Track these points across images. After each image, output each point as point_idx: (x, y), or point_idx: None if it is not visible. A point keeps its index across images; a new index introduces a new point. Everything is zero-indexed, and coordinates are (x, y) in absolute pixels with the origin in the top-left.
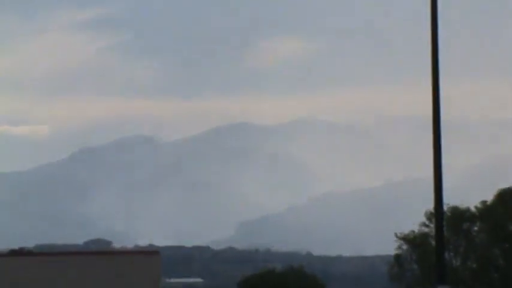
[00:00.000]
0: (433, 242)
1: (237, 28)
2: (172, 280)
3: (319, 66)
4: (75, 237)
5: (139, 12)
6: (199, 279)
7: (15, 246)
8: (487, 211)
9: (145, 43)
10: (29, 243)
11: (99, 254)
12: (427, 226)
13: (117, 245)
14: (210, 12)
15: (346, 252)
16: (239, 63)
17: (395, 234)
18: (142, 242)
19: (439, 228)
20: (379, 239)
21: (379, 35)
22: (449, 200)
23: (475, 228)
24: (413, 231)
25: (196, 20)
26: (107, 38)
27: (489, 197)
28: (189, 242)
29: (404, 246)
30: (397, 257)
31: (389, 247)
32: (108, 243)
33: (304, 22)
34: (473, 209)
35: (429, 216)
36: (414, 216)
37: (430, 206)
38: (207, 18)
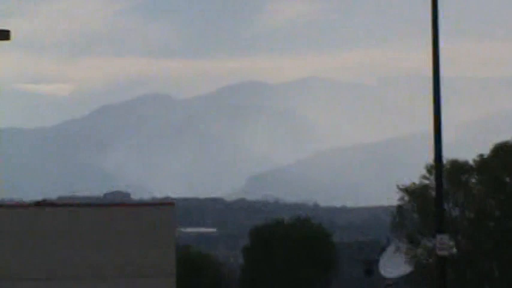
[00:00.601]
0: (433, 193)
1: None
2: (188, 230)
3: (324, 28)
4: (96, 189)
5: None
6: (212, 229)
7: (39, 198)
8: (483, 164)
9: (160, 6)
10: (52, 195)
11: (118, 206)
12: (427, 178)
13: (135, 197)
14: None
15: (351, 203)
16: (248, 25)
17: (397, 186)
18: (159, 194)
19: (438, 180)
20: (382, 191)
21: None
22: (449, 153)
23: (473, 180)
24: (414, 183)
25: None
26: (124, 2)
27: (486, 151)
28: (202, 194)
29: (406, 197)
30: (399, 207)
31: (392, 198)
32: (127, 195)
33: None
34: (471, 162)
35: (429, 169)
36: (415, 169)
37: (431, 159)
38: None
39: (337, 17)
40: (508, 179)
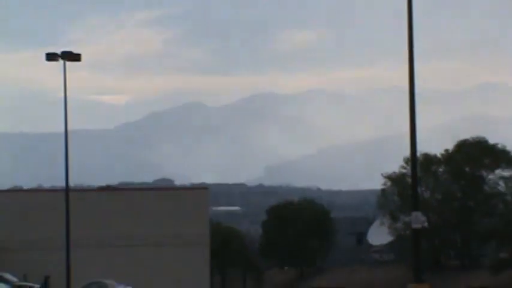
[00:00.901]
0: (409, 180)
1: (262, 21)
2: (219, 208)
3: (324, 50)
4: (147, 177)
5: (190, 11)
6: (237, 208)
7: (103, 183)
8: (449, 157)
9: (196, 34)
10: (114, 182)
11: (164, 189)
12: (405, 168)
13: (178, 183)
14: (241, 10)
15: (346, 187)
16: (264, 48)
17: (382, 174)
18: (196, 180)
19: (413, 169)
20: (370, 178)
21: (369, 28)
22: (422, 149)
23: (440, 169)
24: (395, 172)
25: (233, 17)
26: (169, 31)
27: (450, 146)
28: (230, 180)
29: (388, 183)
30: (383, 191)
31: (378, 184)
32: (171, 181)
33: (311, 19)
34: (439, 155)
35: (407, 160)
36: (396, 161)
37: (408, 153)
38: (236, 14)
39: (333, 42)
40: (467, 169)
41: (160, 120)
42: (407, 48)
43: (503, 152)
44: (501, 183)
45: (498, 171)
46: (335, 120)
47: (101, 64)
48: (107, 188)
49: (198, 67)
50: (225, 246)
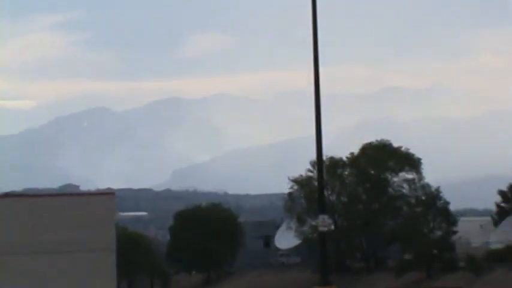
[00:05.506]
0: (316, 183)
1: (168, 27)
2: (124, 214)
3: (231, 55)
4: (52, 183)
5: (96, 16)
6: (144, 213)
7: (7, 190)
8: (354, 160)
9: (101, 39)
10: (17, 188)
11: (69, 195)
12: (311, 171)
13: (84, 188)
14: (148, 15)
15: (253, 191)
16: (172, 53)
17: (289, 178)
18: (103, 186)
19: (320, 173)
20: (277, 181)
21: (276, 33)
22: (328, 152)
23: (346, 172)
24: (301, 175)
25: (139, 22)
26: (73, 35)
27: (355, 150)
28: (137, 185)
29: (295, 186)
30: (290, 194)
31: (284, 187)
32: (77, 187)
33: (216, 24)
34: (344, 158)
35: (313, 164)
36: (303, 164)
37: (314, 157)
38: (145, 20)
39: (241, 47)
40: (372, 172)
41: (66, 126)
42: (312, 52)
43: (407, 155)
44: (405, 185)
45: (402, 174)
46: (242, 124)
47: (5, 69)
48: (8, 195)
49: (104, 72)
50: (132, 251)
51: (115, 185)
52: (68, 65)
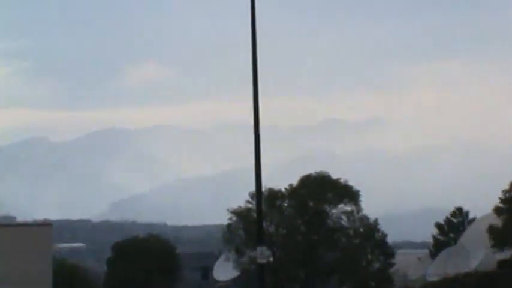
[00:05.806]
0: (255, 215)
1: (109, 56)
2: (62, 245)
3: (171, 85)
4: None
5: (36, 45)
6: (82, 244)
7: None
8: (293, 191)
9: (42, 68)
10: None
11: (5, 226)
12: (250, 203)
13: (20, 219)
14: (89, 45)
15: (192, 222)
16: (112, 83)
17: (227, 209)
18: (40, 217)
19: (258, 204)
20: (216, 213)
21: (219, 61)
22: (267, 183)
23: (285, 204)
24: (240, 207)
25: (80, 51)
26: (12, 65)
27: (295, 181)
28: (75, 216)
29: (234, 218)
30: (229, 225)
31: (223, 219)
32: (14, 218)
33: (159, 54)
34: (283, 190)
35: (252, 195)
36: (242, 195)
37: (253, 188)
38: (86, 50)
39: (181, 78)
40: (311, 203)
41: (3, 155)
42: (252, 84)
43: (346, 187)
44: (343, 217)
45: (341, 206)
46: (181, 155)
47: None
48: None
49: (43, 102)
50: (68, 283)
51: (53, 216)
52: (7, 95)
